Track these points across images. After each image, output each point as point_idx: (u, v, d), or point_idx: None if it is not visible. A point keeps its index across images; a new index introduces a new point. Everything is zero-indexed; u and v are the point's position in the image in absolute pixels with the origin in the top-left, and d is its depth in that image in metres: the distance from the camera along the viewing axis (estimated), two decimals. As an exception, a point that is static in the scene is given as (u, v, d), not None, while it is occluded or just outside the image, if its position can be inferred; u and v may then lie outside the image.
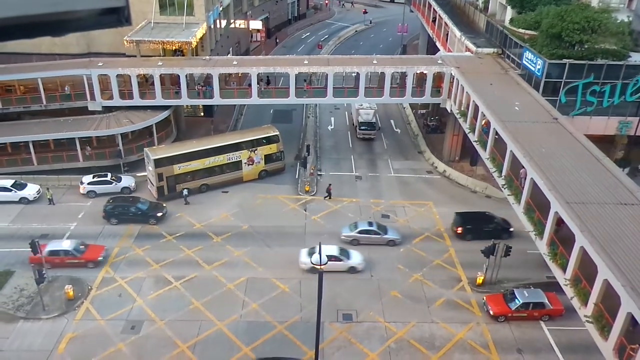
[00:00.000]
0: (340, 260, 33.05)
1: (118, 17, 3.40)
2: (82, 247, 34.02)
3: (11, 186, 40.42)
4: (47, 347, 27.41)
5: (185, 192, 40.66)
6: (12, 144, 44.50)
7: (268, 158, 44.54)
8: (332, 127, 57.16)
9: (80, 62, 47.06)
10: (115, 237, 36.45)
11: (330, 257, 31.52)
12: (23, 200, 40.27)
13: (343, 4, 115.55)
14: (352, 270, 33.43)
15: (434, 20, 61.88)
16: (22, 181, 41.52)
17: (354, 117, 55.06)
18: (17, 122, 46.49)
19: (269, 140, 44.61)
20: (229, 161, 42.90)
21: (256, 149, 43.81)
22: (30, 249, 29.71)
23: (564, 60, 38.15)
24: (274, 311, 30.21)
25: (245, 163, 43.63)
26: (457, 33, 51.35)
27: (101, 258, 33.80)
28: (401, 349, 27.93)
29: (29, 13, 3.13)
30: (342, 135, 54.88)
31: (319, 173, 46.24)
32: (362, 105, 53.05)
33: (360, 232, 36.23)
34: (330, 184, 42.68)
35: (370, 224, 37.15)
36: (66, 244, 33.90)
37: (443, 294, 32.11)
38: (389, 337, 28.70)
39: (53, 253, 33.02)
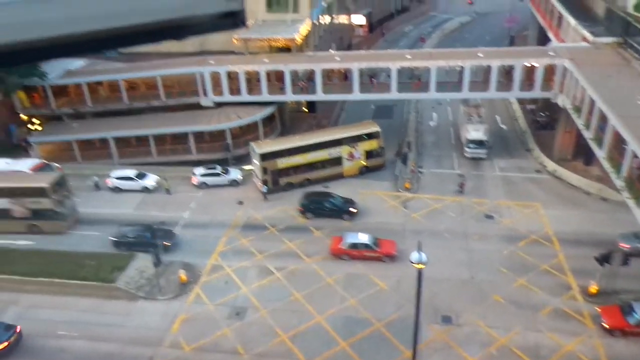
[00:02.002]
0: None
1: (234, 20, 3.67)
2: (377, 240, 34.60)
3: (135, 176, 44.27)
4: (163, 327, 29.81)
5: (264, 189, 41.79)
6: (136, 137, 48.65)
7: (368, 154, 44.71)
8: (434, 123, 56.03)
9: (194, 60, 50.16)
10: (223, 227, 38.61)
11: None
12: (144, 190, 43.93)
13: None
14: None
15: (545, 8, 58.27)
16: (143, 171, 45.28)
17: (462, 133, 50.13)
18: (139, 116, 50.66)
19: (369, 136, 44.75)
20: (330, 156, 43.63)
21: (357, 145, 44.14)
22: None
23: (700, 51, 34.40)
24: (372, 308, 30.44)
25: (345, 159, 44.14)
26: (572, 21, 47.96)
27: (396, 253, 34.06)
28: (503, 356, 26.96)
29: (156, 19, 3.45)
30: (443, 131, 53.63)
31: (420, 170, 45.61)
32: (470, 119, 48.75)
33: None
34: (463, 175, 42.36)
35: None
36: (363, 237, 34.24)
37: (550, 301, 30.46)
38: (490, 343, 27.82)
39: (353, 246, 34.13)
